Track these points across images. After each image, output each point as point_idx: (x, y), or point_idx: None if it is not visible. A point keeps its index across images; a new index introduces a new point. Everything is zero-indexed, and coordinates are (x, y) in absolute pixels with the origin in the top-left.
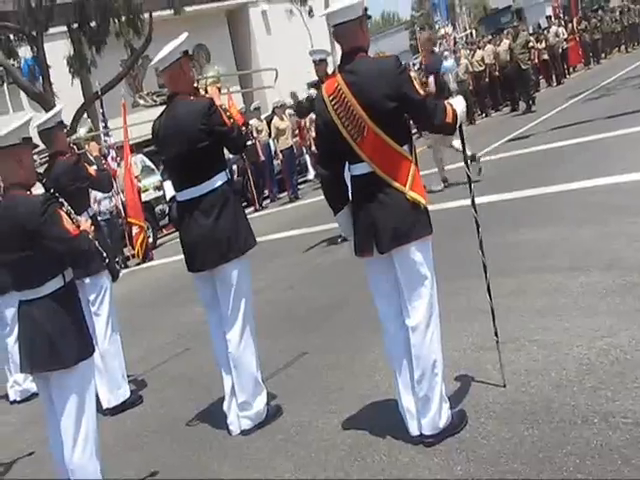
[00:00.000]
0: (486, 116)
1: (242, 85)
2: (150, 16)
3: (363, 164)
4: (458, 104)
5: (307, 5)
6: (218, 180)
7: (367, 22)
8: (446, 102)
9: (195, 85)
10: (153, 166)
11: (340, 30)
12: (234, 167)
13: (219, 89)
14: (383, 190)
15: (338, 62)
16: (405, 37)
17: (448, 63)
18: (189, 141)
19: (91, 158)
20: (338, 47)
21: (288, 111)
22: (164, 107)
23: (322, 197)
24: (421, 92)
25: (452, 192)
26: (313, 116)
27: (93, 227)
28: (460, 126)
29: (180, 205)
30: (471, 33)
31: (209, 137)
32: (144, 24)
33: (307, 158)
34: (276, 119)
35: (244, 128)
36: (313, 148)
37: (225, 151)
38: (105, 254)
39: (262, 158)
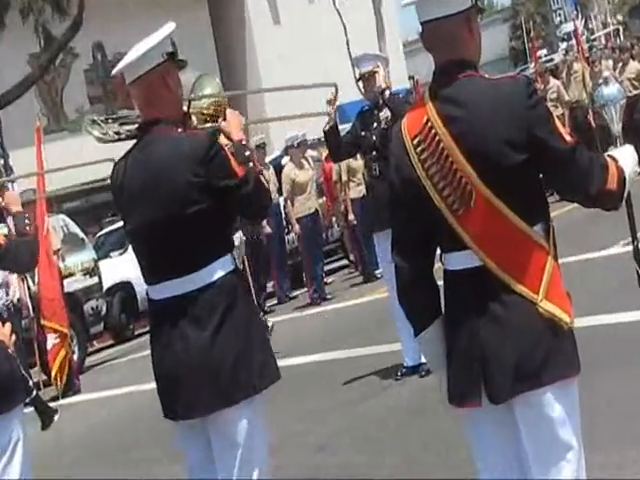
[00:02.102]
0: None
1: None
2: None
3: (467, 253)
4: (626, 158)
5: None
6: (219, 269)
7: (478, 18)
8: (607, 156)
9: (185, 109)
10: (82, 234)
11: (432, 30)
12: None
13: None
14: (499, 297)
15: (429, 83)
16: (502, 34)
17: (610, 90)
18: (173, 202)
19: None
20: (390, 49)
21: (310, 153)
22: (132, 143)
23: (368, 298)
24: (567, 137)
25: (590, 301)
26: (355, 163)
27: (14, 336)
28: (628, 197)
29: (155, 307)
30: (617, 31)
31: (206, 197)
32: None
33: (336, 230)
34: (290, 166)
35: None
36: (350, 217)
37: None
38: (31, 381)
39: (267, 230)
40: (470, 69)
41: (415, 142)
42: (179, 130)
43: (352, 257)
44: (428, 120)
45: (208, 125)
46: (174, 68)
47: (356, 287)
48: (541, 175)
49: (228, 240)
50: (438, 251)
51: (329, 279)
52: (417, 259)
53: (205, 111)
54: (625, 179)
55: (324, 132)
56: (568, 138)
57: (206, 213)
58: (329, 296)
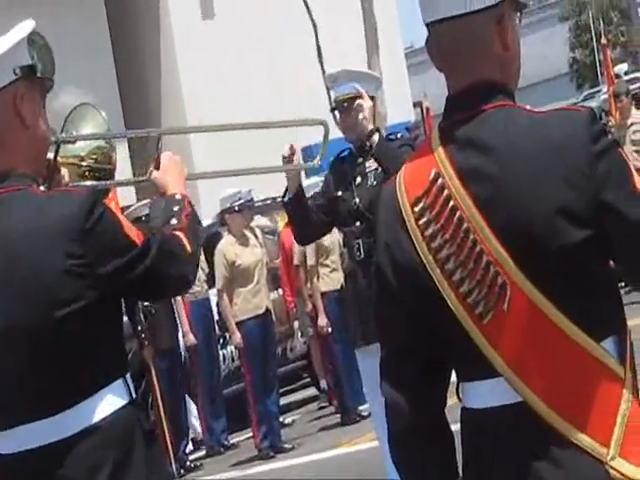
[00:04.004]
0: None
1: (134, 156)
2: None
3: (498, 383)
4: None
5: None
6: (105, 403)
7: (516, 19)
8: None
9: (50, 156)
10: None
11: (444, 37)
12: None
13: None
14: (548, 452)
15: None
16: (560, 39)
17: None
18: (35, 303)
19: None
20: (386, 62)
21: (258, 221)
22: None
23: (349, 449)
24: None
25: None
26: (328, 238)
27: None
28: None
29: (5, 466)
30: None
31: (88, 289)
32: None
33: (299, 341)
34: (229, 241)
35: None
36: (321, 322)
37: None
38: None
39: (191, 339)
40: (502, 96)
41: (417, 209)
42: (41, 189)
43: (323, 384)
44: (437, 175)
45: (88, 183)
46: (33, 90)
47: (330, 431)
48: (612, 262)
49: (119, 355)
50: (453, 378)
51: (288, 418)
52: (420, 392)
53: (84, 161)
54: None
55: (284, 204)
56: None
57: (87, 315)
58: (287, 445)
